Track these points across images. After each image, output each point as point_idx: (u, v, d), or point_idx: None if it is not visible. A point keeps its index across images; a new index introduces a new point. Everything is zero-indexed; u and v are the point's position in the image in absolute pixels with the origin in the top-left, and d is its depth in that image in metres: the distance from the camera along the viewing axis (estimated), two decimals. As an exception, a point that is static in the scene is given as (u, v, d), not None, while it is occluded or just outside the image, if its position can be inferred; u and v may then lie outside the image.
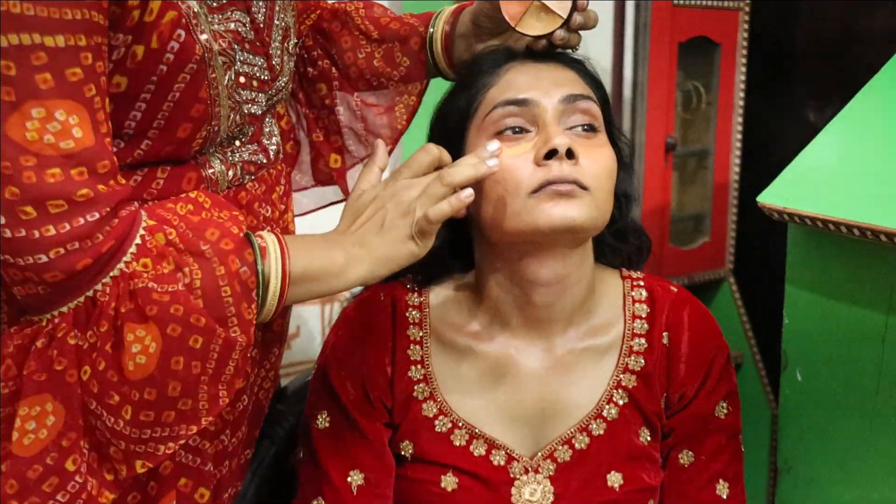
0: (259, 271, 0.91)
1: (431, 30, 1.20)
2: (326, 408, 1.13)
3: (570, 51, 1.14)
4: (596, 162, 1.05)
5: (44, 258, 0.82)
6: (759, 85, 2.12)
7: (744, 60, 2.07)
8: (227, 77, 0.96)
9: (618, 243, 1.18)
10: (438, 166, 1.02)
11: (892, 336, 1.24)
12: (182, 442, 0.91)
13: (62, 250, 0.82)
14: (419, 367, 1.12)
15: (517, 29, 1.10)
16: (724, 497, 1.14)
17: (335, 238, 0.98)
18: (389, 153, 1.30)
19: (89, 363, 0.86)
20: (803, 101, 2.08)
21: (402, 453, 1.11)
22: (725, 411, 1.15)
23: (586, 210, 1.03)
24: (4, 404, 0.86)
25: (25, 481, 0.86)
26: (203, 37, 0.92)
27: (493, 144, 0.99)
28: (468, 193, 0.96)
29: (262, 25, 1.02)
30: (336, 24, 1.24)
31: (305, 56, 1.27)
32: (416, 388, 1.12)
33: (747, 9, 2.06)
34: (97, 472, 0.89)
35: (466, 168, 0.98)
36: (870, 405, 1.27)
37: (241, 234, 0.92)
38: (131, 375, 0.86)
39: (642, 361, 1.13)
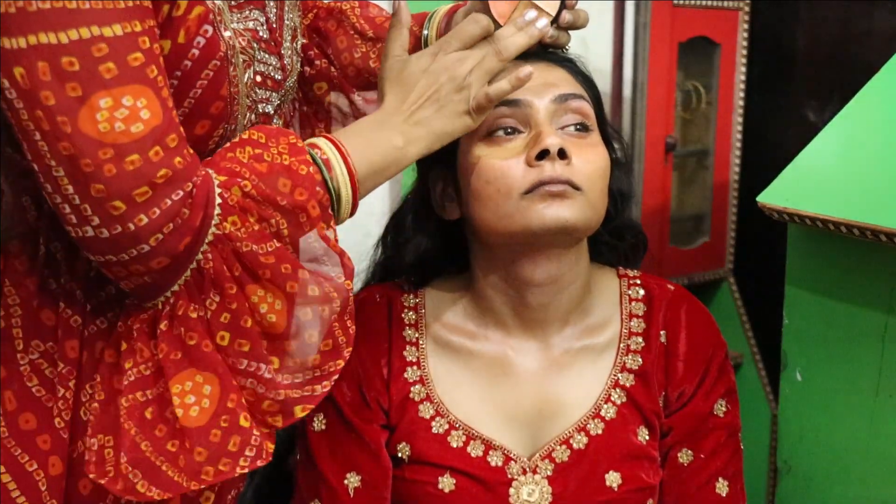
0: (330, 189, 0.92)
1: (426, 31, 1.20)
2: (323, 410, 1.13)
3: (560, 50, 1.14)
4: (589, 161, 1.05)
5: (146, 247, 0.83)
6: (759, 85, 2.12)
7: (744, 60, 2.07)
8: (246, 75, 0.96)
9: (614, 241, 1.18)
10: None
11: (892, 336, 1.24)
12: (335, 378, 0.94)
13: (161, 235, 0.84)
14: (415, 368, 1.12)
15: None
16: (724, 495, 1.14)
17: (389, 120, 0.98)
18: None
19: (224, 328, 0.88)
20: (803, 101, 2.08)
21: (399, 455, 1.11)
22: (724, 409, 1.14)
23: (579, 210, 1.03)
24: (151, 384, 0.88)
25: (211, 446, 0.88)
26: (227, 34, 0.92)
27: (531, 13, 1.00)
28: (528, 72, 0.98)
29: (274, 25, 1.02)
30: (332, 22, 1.24)
31: (302, 55, 1.27)
32: (412, 389, 1.11)
33: (747, 9, 2.06)
34: (259, 426, 0.91)
35: (519, 38, 0.99)
36: (870, 405, 1.27)
37: (308, 171, 0.91)
38: (268, 330, 0.89)
39: (640, 360, 1.12)
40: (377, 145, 0.96)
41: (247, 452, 0.89)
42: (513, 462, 1.09)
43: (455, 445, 1.10)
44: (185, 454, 0.87)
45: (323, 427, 1.12)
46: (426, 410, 1.11)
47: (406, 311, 1.14)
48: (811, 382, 1.35)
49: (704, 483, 1.14)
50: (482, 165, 1.05)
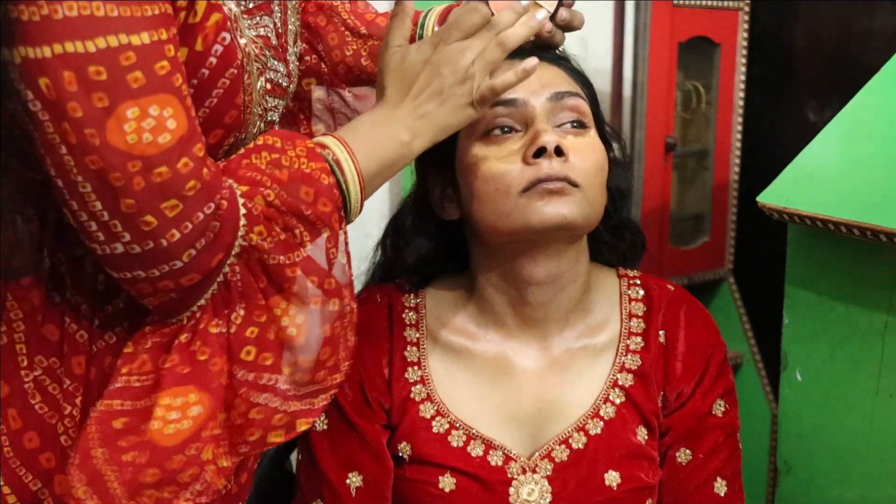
0: (343, 192, 0.92)
1: (420, 30, 1.20)
2: (324, 410, 1.13)
3: (555, 50, 1.14)
4: (586, 158, 1.05)
5: (178, 263, 0.82)
6: (759, 85, 2.12)
7: (744, 60, 2.07)
8: (259, 83, 0.95)
9: (614, 240, 1.17)
10: None
11: (892, 336, 1.24)
12: (333, 392, 0.94)
13: (193, 251, 0.82)
14: (416, 368, 1.12)
15: None
16: (722, 495, 1.14)
17: (393, 114, 0.96)
18: None
19: (250, 342, 0.86)
20: (803, 101, 2.08)
21: (400, 454, 1.11)
22: (723, 409, 1.14)
23: (578, 207, 1.03)
24: (138, 397, 0.86)
25: (166, 472, 0.85)
26: (243, 41, 0.91)
27: (526, 3, 0.98)
28: (533, 64, 0.97)
29: (280, 30, 1.01)
30: (321, 17, 1.22)
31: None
32: (413, 389, 1.11)
33: (747, 9, 2.06)
34: (214, 461, 0.89)
35: (520, 29, 0.97)
36: (870, 405, 1.27)
37: (329, 182, 0.90)
38: (286, 342, 0.88)
39: (639, 360, 1.12)
40: (384, 143, 0.95)
41: (195, 486, 0.87)
42: (512, 461, 1.10)
43: (455, 445, 1.10)
44: (135, 470, 0.84)
45: (325, 427, 1.12)
46: (427, 410, 1.11)
47: (407, 311, 1.15)
48: (811, 382, 1.35)
49: (703, 482, 1.14)
50: (480, 165, 1.06)
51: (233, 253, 0.85)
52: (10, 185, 0.88)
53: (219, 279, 0.86)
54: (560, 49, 1.15)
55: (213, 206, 0.83)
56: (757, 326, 2.13)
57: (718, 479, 1.14)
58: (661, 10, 1.93)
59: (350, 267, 0.93)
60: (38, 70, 0.76)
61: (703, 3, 1.99)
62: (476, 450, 1.10)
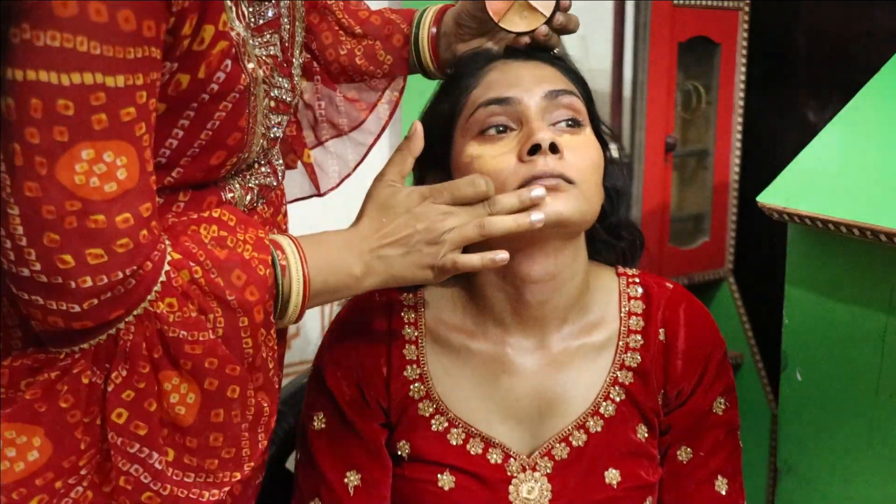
0: (279, 295, 0.91)
1: (416, 31, 1.19)
2: (322, 409, 1.13)
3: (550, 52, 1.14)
4: (581, 155, 1.05)
5: (77, 308, 0.79)
6: (759, 85, 2.12)
7: (744, 60, 2.08)
8: (264, 104, 0.95)
9: (611, 239, 1.17)
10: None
11: (892, 336, 1.24)
12: (227, 489, 0.90)
13: (96, 301, 0.80)
14: (415, 366, 1.12)
15: (500, 25, 1.10)
16: (723, 493, 1.14)
17: (356, 244, 0.96)
18: (370, 147, 1.29)
19: (124, 405, 0.83)
20: (803, 101, 2.08)
21: (399, 453, 1.11)
22: (723, 407, 1.14)
23: (574, 203, 1.03)
24: None
25: None
26: (250, 66, 0.90)
27: (538, 190, 0.99)
28: (503, 258, 0.98)
29: (287, 44, 1.01)
30: (314, 15, 1.21)
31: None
32: (411, 387, 1.11)
33: (747, 9, 2.06)
34: None
35: (509, 221, 0.98)
36: (870, 405, 1.27)
37: (266, 273, 0.89)
38: (173, 420, 0.85)
39: (639, 358, 1.12)
40: (338, 268, 0.95)
41: None
42: (512, 460, 1.09)
43: (454, 443, 1.10)
44: None
45: (323, 426, 1.12)
46: (426, 408, 1.11)
47: (405, 309, 1.14)
48: (811, 382, 1.35)
49: (703, 481, 1.14)
50: (475, 164, 1.05)
51: (133, 313, 0.83)
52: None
53: (110, 332, 0.83)
54: (554, 52, 1.15)
55: (135, 268, 0.81)
56: (757, 326, 2.13)
57: (719, 477, 1.14)
58: (661, 10, 1.94)
59: (279, 371, 0.90)
60: (5, 89, 0.75)
61: (703, 3, 2.00)
62: (475, 448, 1.10)
